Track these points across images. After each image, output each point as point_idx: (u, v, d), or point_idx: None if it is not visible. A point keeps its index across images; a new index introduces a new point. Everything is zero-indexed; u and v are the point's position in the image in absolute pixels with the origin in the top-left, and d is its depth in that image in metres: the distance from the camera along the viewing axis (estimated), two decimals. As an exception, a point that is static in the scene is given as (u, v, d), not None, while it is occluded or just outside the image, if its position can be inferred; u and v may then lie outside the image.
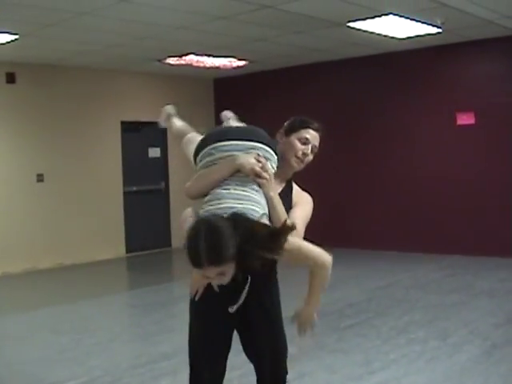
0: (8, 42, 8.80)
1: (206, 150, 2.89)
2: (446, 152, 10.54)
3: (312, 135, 3.11)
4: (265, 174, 2.76)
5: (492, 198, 10.10)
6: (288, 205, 3.05)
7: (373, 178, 11.34)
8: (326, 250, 2.80)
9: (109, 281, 10.17)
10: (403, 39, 9.68)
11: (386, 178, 11.21)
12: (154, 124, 12.34)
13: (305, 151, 3.09)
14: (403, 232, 10.99)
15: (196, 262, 2.46)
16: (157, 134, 12.64)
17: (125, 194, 12.12)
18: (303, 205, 3.12)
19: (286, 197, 3.09)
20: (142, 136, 12.58)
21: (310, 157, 3.13)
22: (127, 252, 12.07)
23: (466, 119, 10.32)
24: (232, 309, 2.92)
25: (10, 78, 10.45)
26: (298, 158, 3.10)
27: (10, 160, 10.58)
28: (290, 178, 3.22)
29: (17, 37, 8.53)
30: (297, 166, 3.13)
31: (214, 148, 2.86)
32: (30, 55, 10.02)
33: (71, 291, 9.25)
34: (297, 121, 3.16)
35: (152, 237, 12.53)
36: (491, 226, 10.10)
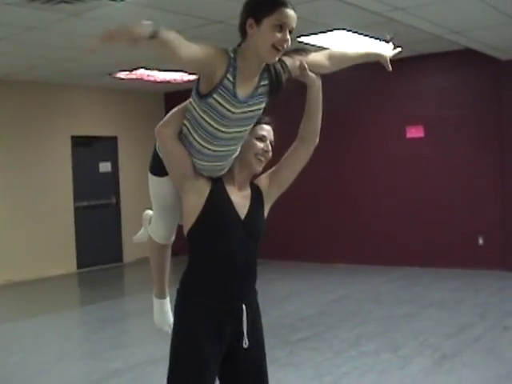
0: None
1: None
2: (396, 165, 10.68)
3: (267, 130, 2.93)
4: None
5: (441, 211, 10.25)
6: (262, 208, 2.94)
7: (323, 191, 11.42)
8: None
9: (60, 297, 10.03)
10: (353, 54, 9.76)
11: (337, 192, 11.30)
12: (104, 138, 12.42)
13: (265, 148, 2.89)
14: (355, 245, 11.07)
15: (268, 1, 2.58)
16: (107, 148, 12.59)
17: (76, 208, 12.00)
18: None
19: (258, 201, 2.94)
20: (92, 150, 12.47)
21: (270, 154, 2.93)
22: (78, 267, 11.92)
23: (415, 132, 10.48)
24: (246, 344, 2.80)
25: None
26: (258, 157, 2.89)
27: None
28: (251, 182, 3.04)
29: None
30: (258, 167, 2.91)
31: None
32: (-24, 69, 9.88)
33: (21, 308, 9.11)
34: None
35: (103, 252, 12.41)
36: (440, 238, 10.24)
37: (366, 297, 8.64)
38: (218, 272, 2.78)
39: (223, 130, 2.65)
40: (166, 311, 3.27)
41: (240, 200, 2.87)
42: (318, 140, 3.05)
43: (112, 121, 12.66)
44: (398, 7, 6.98)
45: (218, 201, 2.80)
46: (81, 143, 12.17)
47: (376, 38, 8.79)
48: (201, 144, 2.69)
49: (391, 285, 9.36)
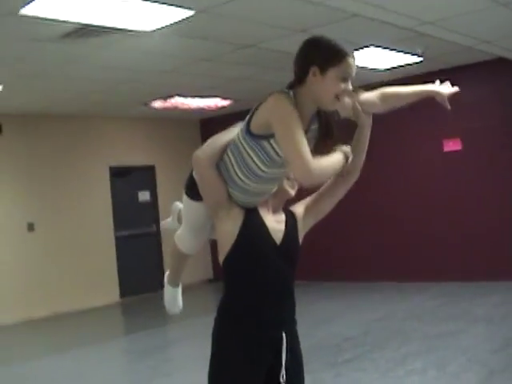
0: (-8, 94, 8.86)
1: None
2: (433, 179, 10.57)
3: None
4: None
5: (481, 224, 10.10)
6: (297, 234, 2.87)
7: (364, 209, 11.33)
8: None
9: (104, 327, 10.09)
10: (386, 70, 9.75)
11: (375, 209, 11.20)
12: (142, 168, 12.51)
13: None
14: (397, 262, 10.94)
15: (342, 50, 2.55)
16: (145, 177, 12.68)
17: (116, 238, 12.08)
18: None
19: (292, 227, 2.87)
20: (130, 180, 12.58)
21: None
22: (121, 297, 11.98)
23: (452, 145, 10.37)
24: (283, 377, 2.74)
25: (-3, 129, 10.49)
26: (291, 182, 2.84)
27: (0, 210, 10.55)
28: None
29: (0, 88, 8.56)
30: (291, 192, 2.86)
31: None
32: (16, 105, 10.05)
33: (66, 340, 9.16)
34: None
35: (145, 280, 12.45)
36: (480, 251, 10.08)
37: (409, 315, 8.51)
38: (257, 299, 2.74)
39: (267, 170, 2.64)
40: (177, 298, 3.41)
41: (275, 225, 2.82)
42: (359, 175, 2.99)
43: (149, 150, 12.77)
44: (427, 21, 6.96)
45: (252, 227, 2.76)
46: (119, 173, 12.29)
47: (407, 53, 8.77)
48: (241, 179, 2.68)
49: (434, 301, 9.20)
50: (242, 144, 2.63)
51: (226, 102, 11.63)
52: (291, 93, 2.57)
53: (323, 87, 2.55)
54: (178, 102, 11.07)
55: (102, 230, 11.84)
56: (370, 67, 9.44)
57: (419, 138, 10.73)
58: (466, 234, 10.22)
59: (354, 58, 2.58)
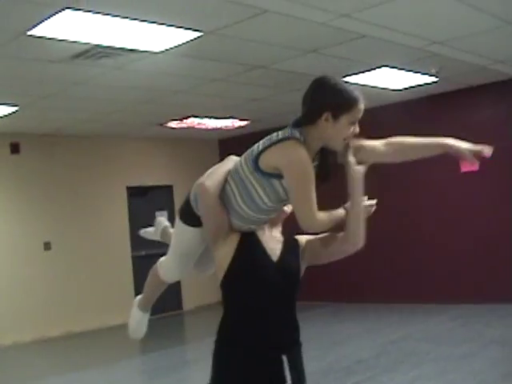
0: (8, 115, 8.95)
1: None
2: (450, 200, 10.46)
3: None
4: None
5: (501, 245, 9.97)
6: (297, 257, 2.84)
7: (381, 230, 11.24)
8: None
9: (119, 346, 10.07)
10: (400, 90, 9.72)
11: (395, 230, 11.11)
12: (160, 188, 12.55)
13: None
14: (414, 283, 10.83)
15: (354, 97, 2.64)
16: (163, 197, 12.71)
17: (133, 258, 12.10)
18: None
19: (292, 248, 2.86)
20: (148, 200, 12.61)
21: None
22: (138, 317, 11.95)
23: (469, 166, 10.23)
24: None
25: (15, 149, 10.59)
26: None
27: (17, 229, 10.64)
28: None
29: (17, 108, 8.67)
30: (286, 208, 2.87)
31: None
32: (32, 125, 10.17)
33: (81, 359, 9.18)
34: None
35: (163, 300, 12.36)
36: (500, 274, 9.94)
37: (424, 337, 8.41)
38: (253, 318, 2.71)
39: (270, 204, 2.70)
40: (142, 323, 3.50)
41: (272, 243, 2.82)
42: (361, 244, 2.80)
43: (167, 170, 12.81)
44: (437, 41, 6.93)
45: (248, 245, 2.76)
46: (136, 193, 12.34)
47: (422, 73, 8.73)
48: (242, 208, 2.72)
49: (450, 323, 9.09)
50: (248, 178, 2.68)
51: (243, 123, 11.64)
52: (301, 136, 2.62)
53: (334, 131, 2.65)
54: (194, 122, 11.10)
55: (119, 249, 11.87)
56: (385, 87, 9.41)
57: (434, 158, 10.60)
58: (485, 255, 10.09)
59: (363, 102, 2.69)
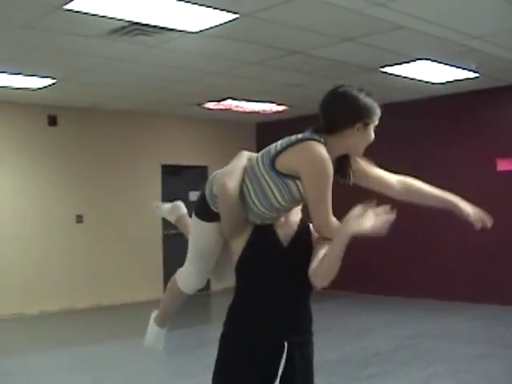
0: (46, 87, 9.06)
1: None
2: (485, 198, 10.29)
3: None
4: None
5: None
6: (309, 245, 2.81)
7: (406, 224, 11.14)
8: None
9: (143, 322, 10.15)
10: (441, 84, 9.59)
11: (421, 225, 11.00)
12: (195, 168, 12.60)
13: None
14: (439, 280, 10.72)
15: (376, 105, 2.75)
16: (198, 177, 12.74)
17: (164, 236, 12.19)
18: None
19: (304, 236, 2.85)
20: (182, 179, 12.67)
21: None
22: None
23: (506, 165, 10.10)
24: None
25: (52, 121, 10.74)
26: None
27: (51, 201, 10.79)
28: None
29: (54, 81, 8.78)
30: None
31: None
32: (70, 99, 10.29)
33: (104, 331, 9.30)
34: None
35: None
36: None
37: (443, 335, 8.33)
38: (258, 301, 2.74)
39: (284, 204, 2.72)
40: (160, 338, 3.52)
41: (288, 229, 2.83)
42: (319, 286, 2.67)
43: (203, 150, 12.84)
44: (475, 36, 6.81)
45: (259, 234, 2.80)
46: (171, 172, 12.40)
47: (462, 68, 8.60)
48: (256, 206, 2.74)
49: (471, 323, 8.99)
50: (263, 177, 2.70)
51: (280, 108, 11.62)
52: (322, 140, 2.66)
53: (362, 139, 2.76)
54: (232, 104, 11.11)
55: (150, 226, 11.96)
56: (425, 80, 9.30)
57: (472, 155, 10.49)
58: (510, 258, 9.94)
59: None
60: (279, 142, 2.75)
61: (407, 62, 8.24)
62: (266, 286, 2.74)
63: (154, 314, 3.50)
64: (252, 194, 2.73)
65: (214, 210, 2.87)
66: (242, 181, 2.76)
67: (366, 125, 2.74)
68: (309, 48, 7.52)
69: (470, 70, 8.74)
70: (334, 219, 2.66)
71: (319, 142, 2.64)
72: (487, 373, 6.45)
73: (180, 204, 3.67)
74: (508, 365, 6.78)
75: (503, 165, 10.16)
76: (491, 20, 6.43)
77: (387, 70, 8.65)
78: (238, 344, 2.76)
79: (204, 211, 2.94)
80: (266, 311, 2.72)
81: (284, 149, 2.67)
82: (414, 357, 7.21)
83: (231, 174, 2.77)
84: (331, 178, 2.62)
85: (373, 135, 2.78)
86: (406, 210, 10.69)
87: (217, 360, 2.82)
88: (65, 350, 8.01)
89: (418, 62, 8.21)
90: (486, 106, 10.31)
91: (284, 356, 2.71)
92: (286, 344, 2.71)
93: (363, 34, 6.88)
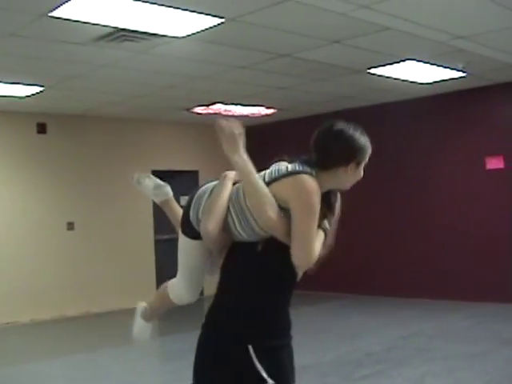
0: (34, 94, 9.04)
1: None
2: (475, 197, 10.35)
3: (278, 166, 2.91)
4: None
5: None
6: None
7: (398, 224, 11.19)
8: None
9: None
10: (428, 84, 9.63)
11: (413, 224, 11.03)
12: (185, 172, 12.58)
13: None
14: (432, 279, 10.74)
15: (369, 144, 2.82)
16: (188, 182, 12.72)
17: (156, 242, 12.17)
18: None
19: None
20: (173, 185, 12.50)
21: None
22: (157, 300, 12.04)
23: (495, 163, 10.14)
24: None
25: (41, 129, 10.73)
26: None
27: (41, 208, 10.77)
28: None
29: (42, 88, 8.76)
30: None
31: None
32: (59, 106, 10.27)
33: (95, 339, 9.27)
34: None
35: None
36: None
37: (438, 333, 8.35)
38: (227, 303, 2.80)
39: (269, 233, 2.73)
40: (147, 331, 3.58)
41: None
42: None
43: (193, 155, 12.84)
44: (460, 36, 6.84)
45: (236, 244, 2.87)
46: (162, 177, 12.27)
47: (449, 68, 8.63)
48: (241, 235, 2.78)
49: (467, 322, 9.01)
50: (249, 210, 2.71)
51: (269, 111, 11.63)
52: (313, 173, 2.69)
53: (353, 177, 2.82)
54: (221, 108, 11.11)
55: (142, 232, 11.95)
56: (412, 80, 9.33)
57: (460, 155, 10.52)
58: (506, 254, 9.98)
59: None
60: (266, 172, 2.77)
61: (395, 63, 8.26)
62: (237, 288, 2.79)
63: (140, 308, 3.52)
64: (237, 224, 2.75)
65: (198, 230, 2.87)
66: (228, 212, 2.76)
67: (359, 164, 2.80)
68: (296, 51, 7.53)
69: (457, 70, 8.77)
70: (315, 254, 2.67)
71: (311, 175, 2.66)
72: (483, 371, 6.45)
73: (166, 188, 3.76)
74: (505, 362, 6.78)
75: (492, 163, 10.19)
76: (478, 20, 6.45)
77: (374, 71, 8.67)
78: (204, 343, 2.83)
79: (189, 230, 2.95)
80: (231, 314, 2.77)
81: (274, 180, 2.70)
82: (408, 356, 7.21)
83: (212, 214, 2.76)
84: (318, 213, 2.65)
85: (362, 173, 2.84)
86: (404, 211, 10.78)
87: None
88: (56, 359, 7.98)
89: (405, 62, 8.23)
90: (474, 106, 10.35)
91: (248, 360, 2.68)
92: (250, 347, 2.68)
93: (349, 36, 6.90)
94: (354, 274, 11.34)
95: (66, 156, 11.10)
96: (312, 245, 2.63)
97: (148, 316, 3.49)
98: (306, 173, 2.66)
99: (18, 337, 9.76)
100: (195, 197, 2.95)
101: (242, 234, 2.75)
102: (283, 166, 2.77)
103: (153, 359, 8.36)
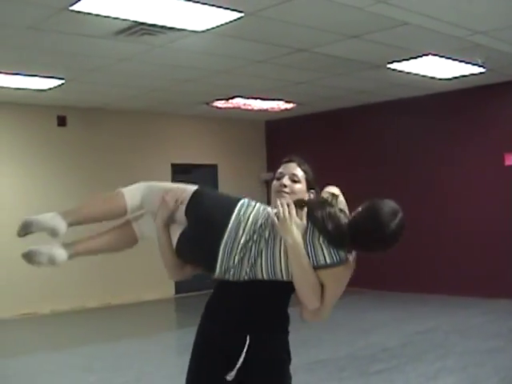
0: (54, 87, 9.12)
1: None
2: (492, 193, 10.30)
3: (285, 167, 2.91)
4: None
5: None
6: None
7: (416, 220, 11.15)
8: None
9: (154, 321, 10.26)
10: (447, 80, 9.59)
11: (430, 220, 11.01)
12: (204, 166, 12.63)
13: (281, 183, 2.85)
14: (448, 275, 10.72)
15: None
16: (207, 176, 12.79)
17: (174, 234, 12.20)
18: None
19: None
20: (192, 178, 12.70)
21: (289, 187, 2.85)
22: (176, 293, 12.15)
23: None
24: (231, 376, 2.75)
25: (62, 121, 10.83)
26: (278, 192, 2.84)
27: (62, 200, 10.82)
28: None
29: (63, 82, 8.84)
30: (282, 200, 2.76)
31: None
32: (79, 99, 10.36)
33: (114, 331, 9.35)
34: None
35: (201, 278, 12.54)
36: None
37: (453, 329, 8.34)
38: (223, 297, 2.86)
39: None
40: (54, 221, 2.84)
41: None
42: (313, 308, 2.68)
43: (212, 149, 12.89)
44: (479, 31, 6.81)
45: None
46: (181, 171, 12.45)
47: (468, 63, 8.59)
48: (255, 271, 2.71)
49: (482, 318, 8.99)
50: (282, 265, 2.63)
51: (289, 105, 11.64)
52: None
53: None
54: (240, 103, 11.15)
55: (161, 225, 11.98)
56: (431, 76, 9.30)
57: (479, 150, 10.47)
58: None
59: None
60: (326, 252, 2.59)
61: (414, 58, 8.24)
62: (233, 284, 2.75)
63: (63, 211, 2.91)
64: (261, 269, 2.65)
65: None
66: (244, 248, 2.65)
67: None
68: (314, 45, 7.54)
69: (476, 66, 8.73)
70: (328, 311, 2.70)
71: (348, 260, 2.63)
72: (498, 367, 6.44)
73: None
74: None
75: (511, 159, 10.13)
76: (496, 15, 6.43)
77: (393, 66, 8.65)
78: (200, 336, 2.90)
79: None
80: (229, 309, 2.81)
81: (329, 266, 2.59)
82: (423, 352, 7.22)
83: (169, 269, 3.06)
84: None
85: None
86: (420, 206, 10.73)
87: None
88: (75, 349, 8.06)
89: (423, 57, 8.21)
90: (493, 101, 10.30)
91: (245, 349, 2.73)
92: (247, 338, 2.74)
93: (368, 31, 6.90)
94: (370, 269, 11.29)
95: (86, 148, 11.20)
96: (331, 307, 2.68)
97: (69, 215, 2.90)
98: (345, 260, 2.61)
99: (37, 327, 9.87)
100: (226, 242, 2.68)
101: (258, 274, 2.65)
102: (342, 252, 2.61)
103: (171, 351, 8.42)
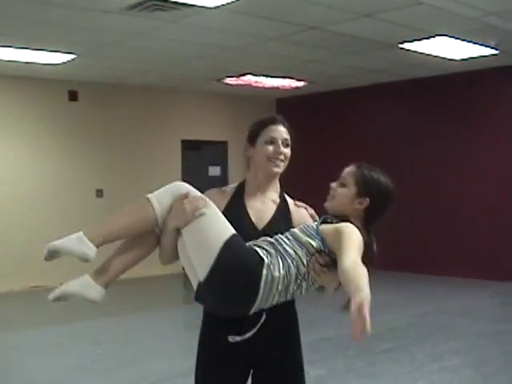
0: (66, 62, 9.12)
1: None
2: (504, 176, 10.27)
3: (276, 131, 2.78)
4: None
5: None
6: (287, 226, 2.74)
7: (427, 201, 11.15)
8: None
9: (162, 296, 10.31)
10: (460, 60, 9.53)
11: (441, 202, 10.99)
12: (214, 143, 12.65)
13: (277, 150, 2.76)
14: (458, 257, 10.72)
15: None
16: (217, 152, 12.81)
17: (183, 210, 12.24)
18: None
19: (283, 216, 2.82)
20: (202, 155, 12.74)
21: (285, 154, 2.79)
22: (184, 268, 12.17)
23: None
24: (233, 339, 2.71)
25: (73, 96, 10.84)
26: (272, 161, 2.76)
27: (71, 175, 10.91)
28: (280, 190, 2.91)
29: (74, 57, 8.83)
30: (277, 169, 2.79)
31: None
32: (90, 74, 10.36)
33: (123, 305, 9.39)
34: (255, 125, 2.84)
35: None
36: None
37: (461, 311, 8.36)
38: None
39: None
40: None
41: (260, 212, 2.81)
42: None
43: (223, 126, 12.89)
44: (492, 12, 6.76)
45: (232, 213, 2.74)
46: (191, 147, 12.47)
47: (482, 45, 8.53)
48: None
49: (491, 300, 9.01)
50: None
51: (300, 83, 11.61)
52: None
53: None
54: (251, 80, 11.13)
55: (170, 201, 12.02)
56: (443, 56, 9.24)
57: (491, 132, 10.43)
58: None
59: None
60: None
61: (426, 38, 8.19)
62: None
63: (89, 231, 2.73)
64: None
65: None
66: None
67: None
68: (325, 24, 7.50)
69: (489, 47, 8.67)
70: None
71: None
72: (505, 350, 6.48)
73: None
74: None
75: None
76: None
77: (406, 46, 8.60)
78: (208, 320, 2.96)
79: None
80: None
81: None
82: (429, 333, 7.25)
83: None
84: None
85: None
86: (432, 187, 10.70)
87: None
88: (83, 322, 8.13)
89: (436, 38, 8.15)
90: (506, 83, 10.23)
91: (262, 321, 2.69)
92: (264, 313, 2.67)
93: (380, 10, 6.86)
94: (381, 249, 11.31)
95: (97, 123, 11.21)
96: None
97: (97, 239, 2.72)
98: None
99: (46, 301, 9.91)
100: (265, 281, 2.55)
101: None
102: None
103: (177, 326, 8.48)
